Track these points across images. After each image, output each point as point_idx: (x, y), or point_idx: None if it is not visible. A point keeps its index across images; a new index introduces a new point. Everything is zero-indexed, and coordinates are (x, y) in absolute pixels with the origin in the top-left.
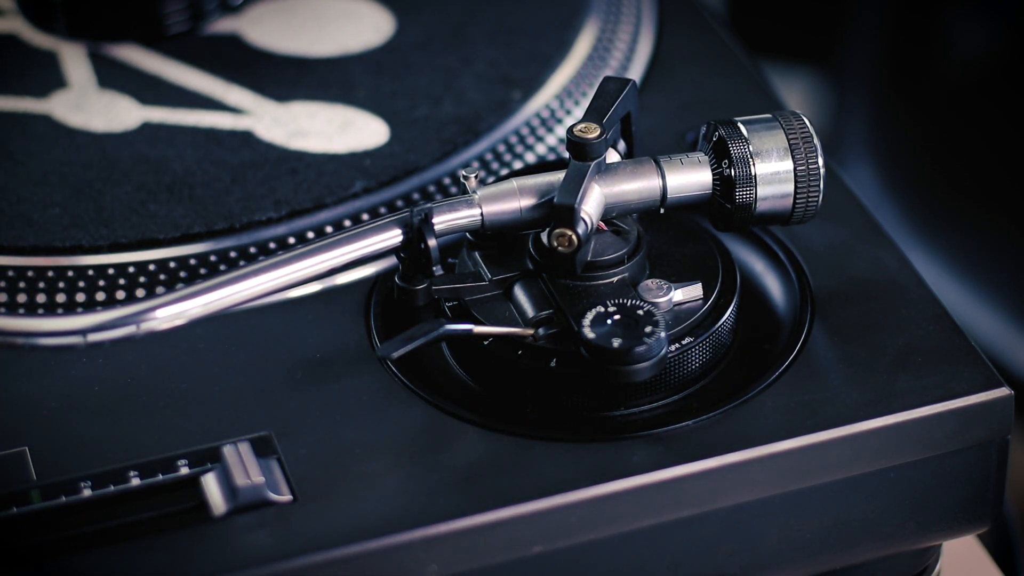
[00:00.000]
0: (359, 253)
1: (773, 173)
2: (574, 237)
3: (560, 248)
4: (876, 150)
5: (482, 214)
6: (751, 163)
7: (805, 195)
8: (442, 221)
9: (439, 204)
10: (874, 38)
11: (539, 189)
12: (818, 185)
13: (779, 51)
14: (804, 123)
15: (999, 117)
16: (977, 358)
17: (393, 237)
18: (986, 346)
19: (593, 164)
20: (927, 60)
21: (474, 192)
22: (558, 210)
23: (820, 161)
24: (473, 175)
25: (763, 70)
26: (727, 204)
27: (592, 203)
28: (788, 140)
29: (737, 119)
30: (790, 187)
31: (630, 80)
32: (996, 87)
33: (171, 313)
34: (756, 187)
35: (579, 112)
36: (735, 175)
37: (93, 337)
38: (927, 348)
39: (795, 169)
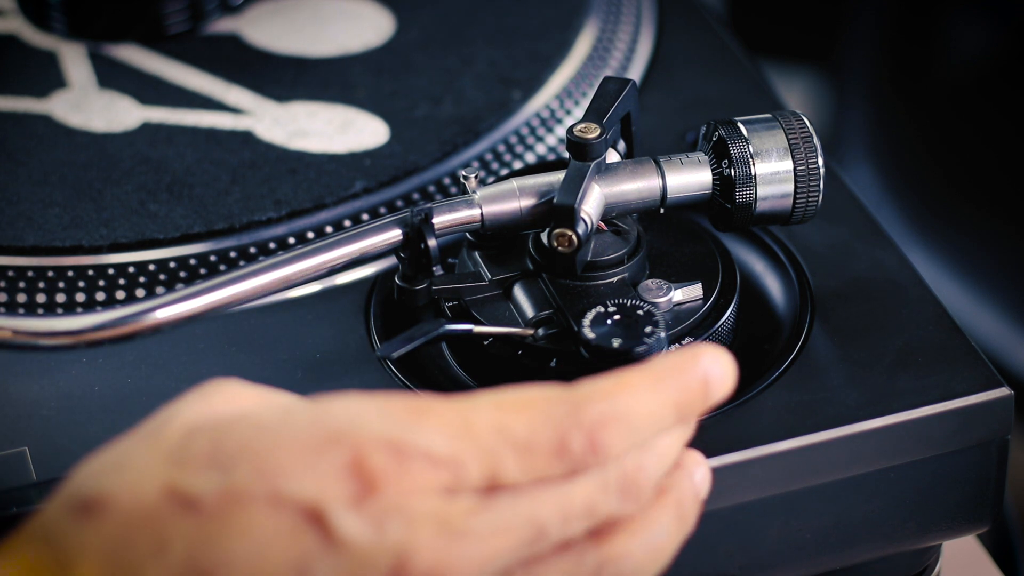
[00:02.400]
0: (359, 253)
1: (773, 173)
2: (574, 237)
3: (560, 248)
4: (876, 150)
5: (482, 214)
6: (751, 163)
7: (805, 195)
8: (442, 221)
9: (439, 204)
10: (874, 38)
11: (539, 189)
12: (818, 185)
13: (779, 51)
14: (804, 123)
15: (999, 117)
16: (977, 358)
17: (393, 237)
18: (986, 346)
19: (593, 164)
20: (927, 60)
21: (474, 192)
22: (558, 210)
23: (820, 161)
24: (473, 175)
25: (763, 70)
26: (727, 204)
27: (592, 203)
28: (788, 140)
29: (737, 119)
30: (790, 187)
31: (630, 80)
32: (996, 87)
33: (171, 313)
34: (756, 187)
35: (579, 112)
36: (735, 175)
37: (93, 337)
38: (927, 348)
39: (795, 169)
